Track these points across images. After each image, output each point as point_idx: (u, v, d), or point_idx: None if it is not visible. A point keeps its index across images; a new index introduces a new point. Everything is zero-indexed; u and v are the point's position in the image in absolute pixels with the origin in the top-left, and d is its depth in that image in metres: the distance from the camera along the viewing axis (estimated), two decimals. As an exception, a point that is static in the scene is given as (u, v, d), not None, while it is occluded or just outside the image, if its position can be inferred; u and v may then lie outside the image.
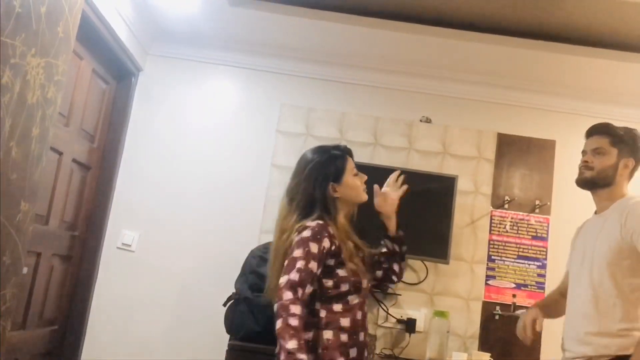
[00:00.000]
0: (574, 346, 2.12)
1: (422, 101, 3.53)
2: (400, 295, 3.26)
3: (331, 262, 1.94)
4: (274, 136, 3.46)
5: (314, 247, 1.88)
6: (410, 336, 3.17)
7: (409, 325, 3.16)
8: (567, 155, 3.40)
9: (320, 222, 1.95)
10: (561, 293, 2.41)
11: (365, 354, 1.97)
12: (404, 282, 3.20)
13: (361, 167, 2.22)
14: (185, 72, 3.54)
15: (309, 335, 1.85)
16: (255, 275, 2.79)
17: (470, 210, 3.40)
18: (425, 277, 3.29)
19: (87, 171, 3.18)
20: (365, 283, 2.01)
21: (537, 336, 2.33)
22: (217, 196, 3.41)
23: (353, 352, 1.89)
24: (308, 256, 1.85)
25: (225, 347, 2.68)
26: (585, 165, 2.24)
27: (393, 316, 3.21)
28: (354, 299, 1.94)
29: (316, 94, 3.53)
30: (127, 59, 3.26)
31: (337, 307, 1.90)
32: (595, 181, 2.21)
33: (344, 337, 1.88)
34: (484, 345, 3.21)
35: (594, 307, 2.08)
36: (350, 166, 2.09)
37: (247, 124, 3.50)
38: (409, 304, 3.28)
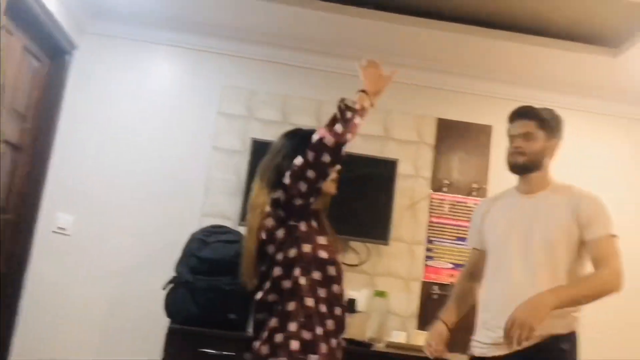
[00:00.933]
0: None
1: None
2: (341, 277, 3.30)
3: (314, 223, 1.90)
4: (215, 118, 3.42)
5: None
6: (350, 316, 3.22)
7: (350, 305, 3.20)
8: (503, 140, 3.47)
9: None
10: (471, 275, 2.42)
11: (343, 329, 1.91)
12: (344, 263, 3.24)
13: (303, 149, 2.21)
14: (123, 51, 3.44)
15: (292, 304, 1.80)
16: (195, 259, 2.77)
17: (411, 193, 3.46)
18: (367, 258, 3.35)
19: (19, 152, 3.06)
20: (340, 258, 1.97)
21: (440, 353, 2.33)
22: (156, 179, 3.35)
23: (330, 324, 1.85)
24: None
25: (165, 331, 2.65)
26: (516, 150, 2.26)
27: (334, 297, 3.25)
28: (331, 270, 1.89)
29: (259, 76, 3.50)
30: (61, 36, 3.14)
31: (317, 275, 1.85)
32: (527, 166, 2.24)
33: (322, 308, 1.84)
34: (422, 324, 3.29)
35: (536, 289, 2.06)
36: None
37: (188, 106, 3.44)
38: (349, 284, 3.28)
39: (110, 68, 3.42)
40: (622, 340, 3.41)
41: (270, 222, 1.86)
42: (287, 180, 1.82)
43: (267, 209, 1.88)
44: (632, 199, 3.55)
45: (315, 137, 1.81)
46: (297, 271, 1.83)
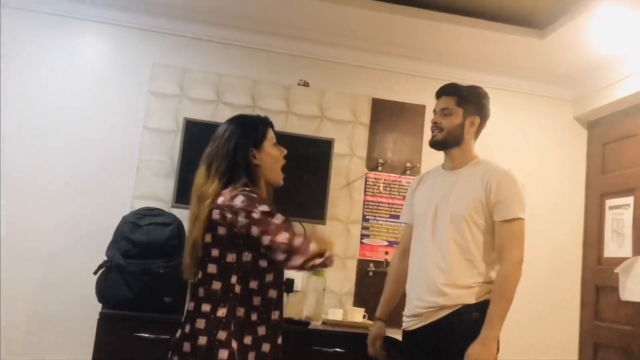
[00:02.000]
0: (428, 296, 2.21)
1: (300, 65, 3.54)
2: (278, 257, 3.30)
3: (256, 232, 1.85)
4: (146, 97, 3.32)
5: (268, 207, 1.84)
6: (288, 296, 3.23)
7: (287, 285, 3.21)
8: (435, 120, 3.58)
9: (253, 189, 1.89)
10: (404, 251, 2.48)
11: (279, 332, 1.91)
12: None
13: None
14: (47, 27, 3.27)
15: (223, 310, 1.79)
16: (127, 242, 2.70)
17: (346, 172, 3.49)
18: (303, 238, 3.35)
19: None
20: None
21: (383, 354, 2.44)
22: (86, 160, 3.23)
23: (261, 330, 1.85)
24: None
25: (97, 317, 2.58)
26: (435, 126, 2.34)
27: (271, 278, 3.25)
28: (270, 277, 1.87)
29: (191, 54, 3.41)
30: (-23, 9, 2.95)
31: (254, 284, 1.84)
32: (445, 141, 2.32)
33: (254, 316, 1.84)
34: (358, 301, 3.35)
35: (451, 259, 2.19)
36: (271, 135, 2.03)
37: (117, 85, 3.32)
38: (287, 265, 3.32)
39: (33, 45, 3.25)
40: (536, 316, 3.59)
41: (216, 215, 1.83)
42: (265, 241, 1.77)
43: (219, 199, 1.84)
44: (553, 175, 3.72)
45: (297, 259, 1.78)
46: (233, 278, 1.82)
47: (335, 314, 3.07)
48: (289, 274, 3.25)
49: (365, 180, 3.51)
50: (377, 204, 3.52)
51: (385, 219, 3.51)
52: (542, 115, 3.78)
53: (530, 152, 3.69)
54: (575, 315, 3.64)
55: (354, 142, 3.54)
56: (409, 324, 2.29)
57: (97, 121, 3.26)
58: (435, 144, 2.35)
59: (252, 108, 3.41)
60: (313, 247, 1.81)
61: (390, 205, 3.52)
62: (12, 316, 3.03)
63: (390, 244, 3.48)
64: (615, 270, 3.26)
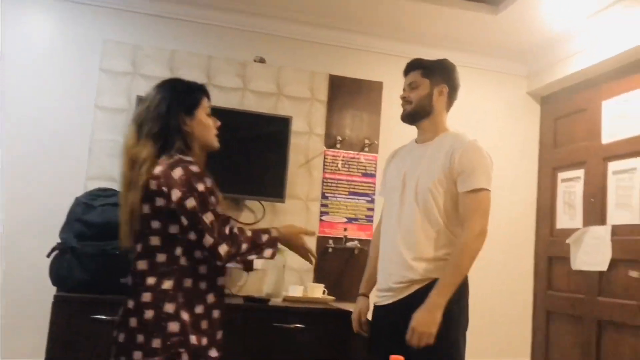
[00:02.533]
0: (397, 270, 2.21)
1: (256, 41, 3.49)
2: (237, 235, 3.28)
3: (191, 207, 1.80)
4: (97, 75, 3.22)
5: (208, 182, 1.81)
6: (247, 274, 3.22)
7: (247, 264, 3.20)
8: (393, 96, 3.50)
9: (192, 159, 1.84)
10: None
11: (224, 296, 1.92)
12: (241, 222, 3.22)
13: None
14: (-11, 1, 3.13)
15: (170, 283, 1.76)
16: (81, 224, 2.63)
17: (305, 150, 3.48)
18: (262, 216, 3.34)
19: None
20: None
21: (368, 328, 2.41)
22: (36, 142, 3.12)
23: (210, 298, 1.83)
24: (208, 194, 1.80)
25: (52, 300, 2.52)
26: (404, 100, 2.35)
27: (231, 257, 3.23)
28: None
29: (143, 30, 3.32)
30: None
31: (198, 253, 1.80)
32: (415, 113, 2.32)
33: (202, 285, 1.81)
34: (318, 277, 3.37)
35: (417, 233, 2.18)
36: (205, 104, 1.96)
37: (66, 63, 3.21)
38: (246, 243, 3.31)
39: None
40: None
41: (154, 185, 1.78)
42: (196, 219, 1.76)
43: (156, 169, 1.78)
44: (508, 150, 3.80)
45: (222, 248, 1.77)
46: (178, 250, 1.79)
47: (296, 290, 3.08)
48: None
49: (324, 158, 3.51)
50: (336, 181, 3.52)
51: (345, 196, 3.52)
52: (497, 91, 3.84)
53: (487, 127, 3.75)
54: (529, 285, 3.75)
55: (312, 120, 3.52)
56: (381, 299, 2.29)
57: (47, 100, 3.16)
58: (405, 117, 2.35)
59: (207, 86, 3.34)
60: (246, 235, 1.83)
61: (349, 183, 3.54)
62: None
63: (349, 220, 3.50)
64: (567, 241, 3.37)
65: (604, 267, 3.10)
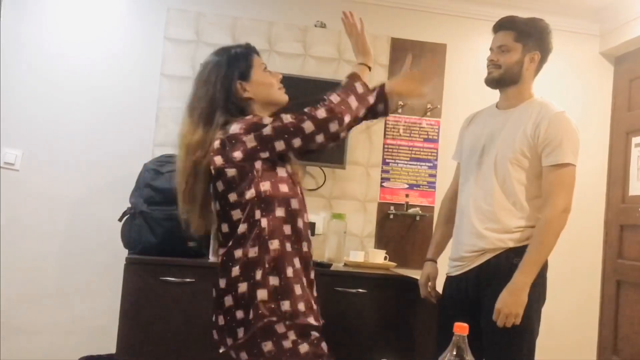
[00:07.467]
0: (469, 239, 2.17)
1: (317, 6, 3.46)
2: (299, 201, 3.32)
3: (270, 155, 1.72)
4: (162, 44, 3.28)
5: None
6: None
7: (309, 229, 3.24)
8: (457, 59, 3.50)
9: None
10: (454, 192, 2.39)
11: (310, 267, 1.79)
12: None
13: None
14: (58, -27, 3.22)
15: (255, 249, 1.66)
16: (150, 189, 2.73)
17: (366, 115, 3.44)
18: (324, 182, 3.36)
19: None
20: (301, 190, 1.84)
21: (436, 293, 2.37)
22: (105, 110, 3.23)
23: (297, 263, 1.71)
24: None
25: (124, 262, 2.64)
26: (492, 64, 2.20)
27: (293, 222, 3.28)
28: (295, 203, 1.74)
29: (206, -3, 3.35)
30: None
31: (280, 211, 1.70)
32: (502, 79, 2.19)
33: (288, 247, 1.70)
34: (379, 244, 3.38)
35: (494, 203, 2.12)
36: (258, 62, 1.85)
37: (132, 32, 3.28)
38: (308, 209, 3.34)
39: (46, -8, 3.21)
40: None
41: (219, 160, 1.70)
42: (268, 131, 1.68)
43: (215, 146, 1.71)
44: (578, 112, 3.64)
45: (331, 110, 1.74)
46: (257, 213, 1.68)
47: (357, 256, 3.10)
48: (309, 217, 3.28)
49: (385, 123, 3.47)
50: (397, 146, 3.49)
51: (406, 162, 3.49)
52: (567, 51, 3.66)
53: (555, 88, 3.57)
54: (598, 253, 3.63)
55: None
56: (452, 269, 2.26)
57: (114, 69, 3.25)
58: (490, 81, 2.22)
59: (269, 52, 3.36)
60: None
61: (411, 148, 3.49)
62: (40, 262, 3.12)
63: (411, 186, 3.47)
64: (640, 209, 3.23)
65: (680, 235, 2.96)
